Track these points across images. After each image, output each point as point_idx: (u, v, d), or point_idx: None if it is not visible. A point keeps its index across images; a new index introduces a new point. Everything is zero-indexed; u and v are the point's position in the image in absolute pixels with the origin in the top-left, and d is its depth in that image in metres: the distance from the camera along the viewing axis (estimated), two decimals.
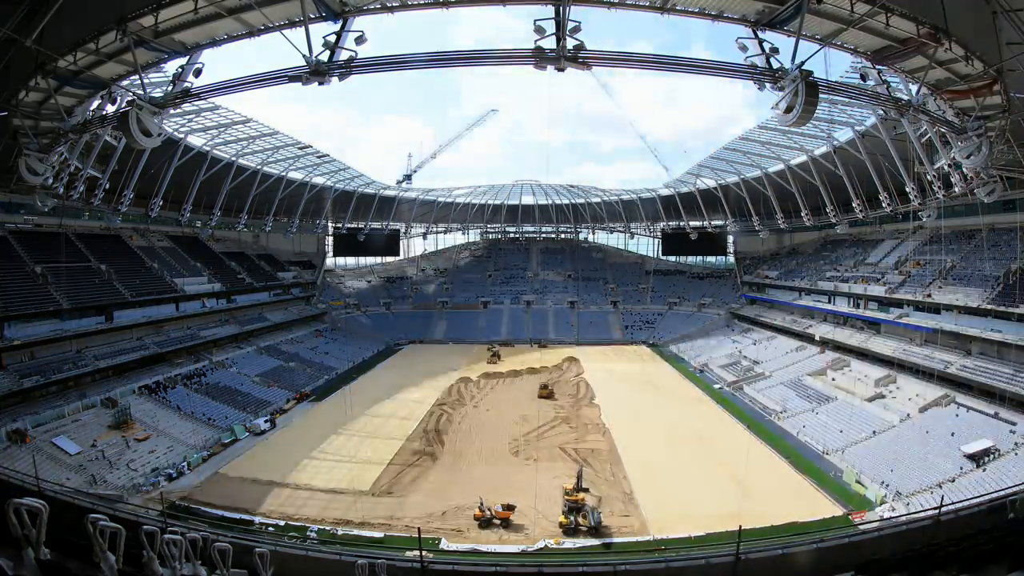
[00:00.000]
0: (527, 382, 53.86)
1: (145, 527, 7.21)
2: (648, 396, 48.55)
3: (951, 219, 49.60)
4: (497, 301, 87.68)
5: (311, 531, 24.96)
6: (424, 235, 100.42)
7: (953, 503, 20.30)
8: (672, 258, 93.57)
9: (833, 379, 44.11)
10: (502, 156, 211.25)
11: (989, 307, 36.36)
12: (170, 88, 17.92)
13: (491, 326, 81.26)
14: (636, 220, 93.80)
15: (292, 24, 16.26)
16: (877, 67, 18.65)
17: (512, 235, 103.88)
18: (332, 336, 70.38)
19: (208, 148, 53.33)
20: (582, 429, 39.37)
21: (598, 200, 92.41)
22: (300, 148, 58.28)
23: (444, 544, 24.00)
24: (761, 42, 15.73)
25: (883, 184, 50.11)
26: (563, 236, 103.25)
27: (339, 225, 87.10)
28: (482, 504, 26.27)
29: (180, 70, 17.58)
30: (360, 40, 15.44)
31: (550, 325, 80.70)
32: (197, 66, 17.58)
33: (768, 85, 15.78)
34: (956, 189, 39.58)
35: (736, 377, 51.78)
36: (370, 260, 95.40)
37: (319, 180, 71.53)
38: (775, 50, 15.55)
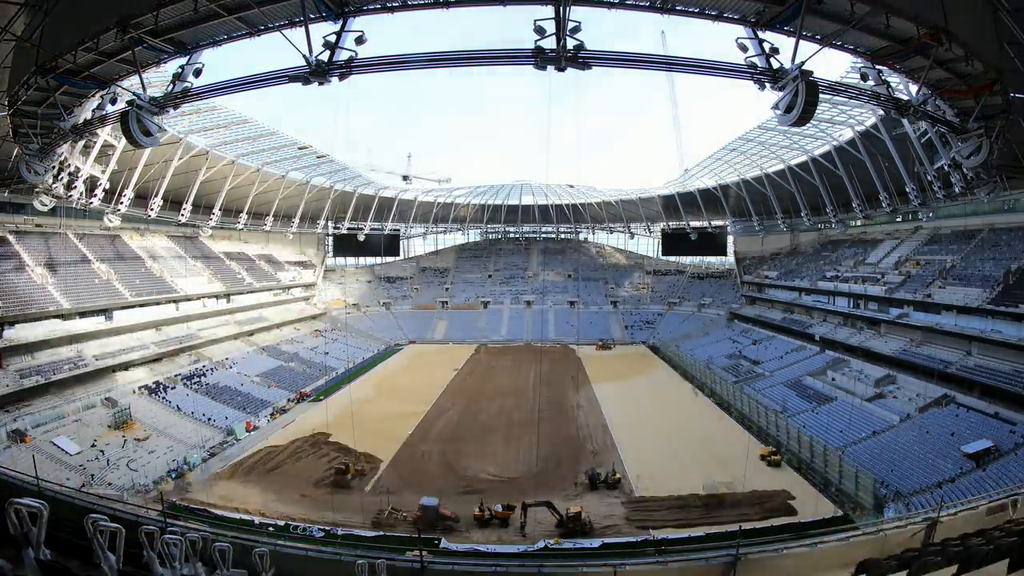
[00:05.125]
0: (529, 382, 53.85)
1: (145, 527, 7.22)
2: (648, 396, 48.58)
3: (951, 219, 49.65)
4: (497, 301, 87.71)
5: (311, 531, 24.96)
6: (424, 235, 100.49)
7: (953, 503, 20.35)
8: (672, 258, 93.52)
9: (833, 379, 44.08)
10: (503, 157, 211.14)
11: (989, 307, 36.34)
12: (170, 88, 17.90)
13: (491, 326, 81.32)
14: (636, 220, 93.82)
15: (292, 24, 16.25)
16: (877, 67, 18.63)
17: (512, 235, 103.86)
18: (332, 336, 70.39)
19: (208, 148, 53.33)
20: (584, 430, 39.39)
21: (598, 200, 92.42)
22: (300, 148, 58.32)
23: (444, 544, 24.00)
24: (761, 42, 15.72)
25: (883, 184, 50.16)
26: (563, 236, 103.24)
27: (339, 225, 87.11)
28: (482, 504, 26.29)
29: (180, 70, 17.54)
30: (360, 40, 15.44)
31: (550, 325, 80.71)
32: (197, 66, 17.55)
33: (768, 85, 15.78)
34: (956, 189, 39.60)
35: (736, 377, 51.76)
36: (370, 260, 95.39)
37: (319, 180, 71.57)
38: (775, 50, 15.54)
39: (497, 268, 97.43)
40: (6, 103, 19.32)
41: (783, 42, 15.53)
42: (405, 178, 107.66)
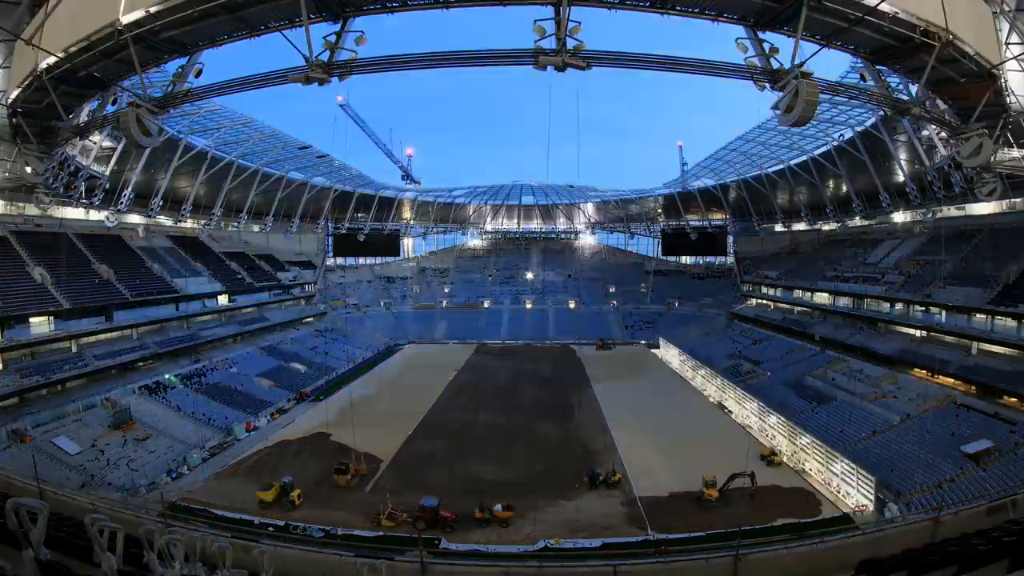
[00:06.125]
0: (529, 382, 53.88)
1: (145, 527, 7.22)
2: (648, 396, 48.56)
3: (951, 219, 49.66)
4: (497, 301, 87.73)
5: (311, 531, 24.96)
6: (424, 235, 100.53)
7: (953, 503, 20.37)
8: (672, 258, 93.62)
9: (833, 379, 44.08)
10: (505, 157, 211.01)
11: (989, 307, 36.36)
12: (170, 88, 17.90)
13: (491, 326, 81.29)
14: (636, 220, 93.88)
15: (292, 24, 16.23)
16: (877, 67, 18.63)
17: (512, 235, 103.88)
18: (332, 336, 70.38)
19: (208, 148, 53.34)
20: (584, 430, 39.40)
21: (598, 200, 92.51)
22: (300, 148, 58.34)
23: (444, 544, 24.01)
24: (761, 42, 15.71)
25: (883, 184, 50.19)
26: (563, 236, 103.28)
27: (339, 225, 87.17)
28: (482, 504, 26.29)
29: (180, 70, 17.54)
30: (360, 40, 15.44)
31: (550, 325, 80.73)
32: (197, 66, 17.54)
33: (768, 86, 15.76)
34: (956, 189, 39.64)
35: (736, 377, 51.73)
36: (370, 260, 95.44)
37: (319, 180, 71.60)
38: (775, 50, 15.53)
39: (497, 268, 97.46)
40: (6, 103, 19.30)
41: (783, 42, 15.53)
42: (406, 178, 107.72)
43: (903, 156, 44.41)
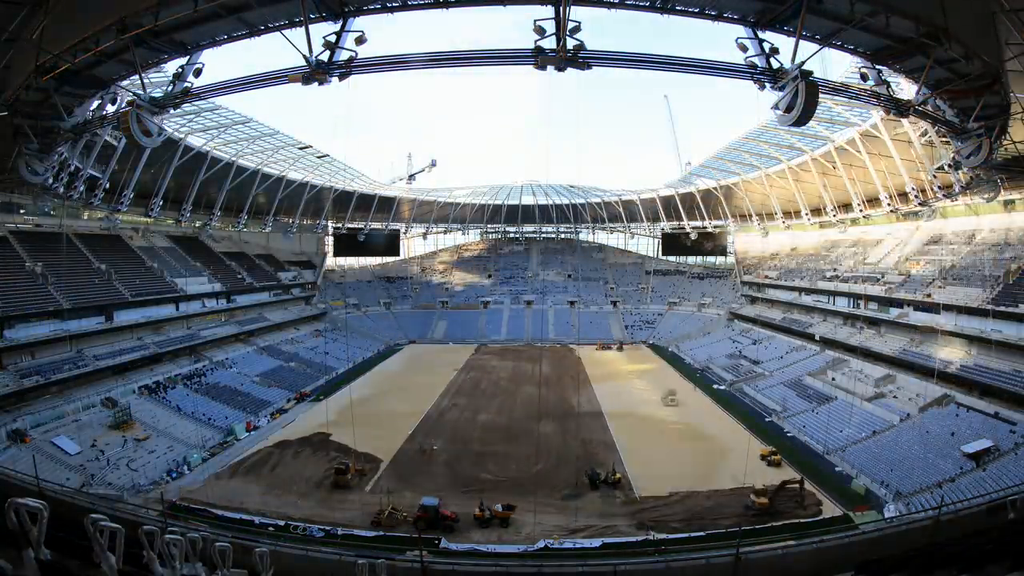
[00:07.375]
0: (529, 382, 53.88)
1: (145, 527, 7.23)
2: (648, 396, 48.54)
3: (951, 219, 49.66)
4: (497, 301, 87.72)
5: (311, 531, 24.95)
6: (424, 235, 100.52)
7: (953, 503, 20.35)
8: (672, 258, 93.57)
9: (833, 379, 44.09)
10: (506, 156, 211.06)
11: (989, 307, 36.35)
12: (170, 88, 17.91)
13: (491, 326, 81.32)
14: (636, 220, 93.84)
15: (292, 24, 16.24)
16: (877, 67, 18.63)
17: (512, 235, 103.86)
18: (332, 336, 70.36)
19: (208, 148, 53.35)
20: (584, 429, 39.38)
21: (598, 200, 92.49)
22: (300, 148, 58.31)
23: (444, 544, 24.00)
24: (761, 42, 15.71)
25: (883, 184, 50.17)
26: (563, 236, 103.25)
27: (339, 225, 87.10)
28: (482, 504, 26.29)
29: (180, 70, 17.55)
30: (360, 40, 15.44)
31: (550, 325, 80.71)
32: (197, 66, 17.56)
33: (768, 85, 15.78)
34: (956, 189, 39.63)
35: (736, 377, 51.78)
36: (370, 260, 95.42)
37: (319, 180, 71.57)
38: (775, 50, 15.53)
39: (497, 268, 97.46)
40: (6, 103, 19.28)
41: (783, 42, 15.54)
42: (411, 177, 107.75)
43: (903, 156, 44.36)
